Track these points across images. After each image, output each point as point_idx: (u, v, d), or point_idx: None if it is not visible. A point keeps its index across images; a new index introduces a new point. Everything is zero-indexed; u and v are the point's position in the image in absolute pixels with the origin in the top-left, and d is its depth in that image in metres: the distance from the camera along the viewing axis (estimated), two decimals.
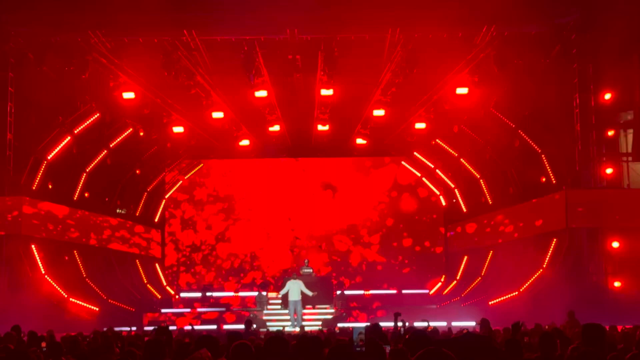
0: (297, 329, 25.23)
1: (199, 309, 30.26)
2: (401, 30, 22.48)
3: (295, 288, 27.06)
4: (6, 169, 24.14)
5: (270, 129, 29.18)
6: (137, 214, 33.09)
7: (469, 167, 31.59)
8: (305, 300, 27.67)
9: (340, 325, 26.14)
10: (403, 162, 34.55)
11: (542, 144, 26.51)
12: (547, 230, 26.15)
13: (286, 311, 27.98)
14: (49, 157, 26.23)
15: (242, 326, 21.43)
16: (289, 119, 29.27)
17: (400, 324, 18.06)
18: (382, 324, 12.59)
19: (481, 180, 31.31)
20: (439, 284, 33.33)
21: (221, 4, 21.26)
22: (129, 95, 24.90)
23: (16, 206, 24.42)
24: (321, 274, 32.39)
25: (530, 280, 25.90)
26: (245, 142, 30.61)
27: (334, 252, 34.25)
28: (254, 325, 24.23)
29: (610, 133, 24.83)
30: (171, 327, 23.51)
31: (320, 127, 29.32)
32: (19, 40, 23.50)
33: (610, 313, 20.29)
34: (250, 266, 34.17)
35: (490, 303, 27.04)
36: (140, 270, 32.42)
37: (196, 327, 24.25)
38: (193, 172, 34.72)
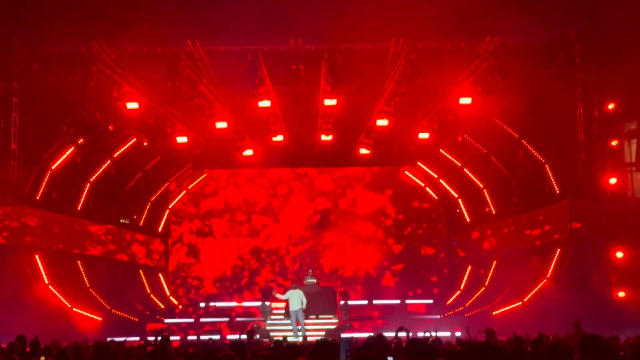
0: (300, 339, 25.18)
1: (202, 319, 30.28)
2: (404, 40, 22.53)
3: (295, 297, 26.95)
4: (10, 179, 24.18)
5: (274, 138, 29.18)
6: (141, 224, 33.11)
7: (473, 177, 31.57)
8: (309, 310, 27.59)
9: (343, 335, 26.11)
10: (406, 172, 34.51)
11: (546, 153, 26.50)
12: (551, 241, 26.12)
13: (289, 321, 27.93)
14: (52, 167, 26.31)
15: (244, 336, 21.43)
16: (293, 129, 29.30)
17: (403, 334, 18.08)
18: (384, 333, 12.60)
19: (484, 190, 31.29)
20: (443, 294, 33.24)
21: (225, 14, 21.31)
22: (132, 105, 24.94)
23: (20, 216, 24.44)
24: (325, 284, 32.35)
25: (534, 291, 25.86)
26: (248, 152, 30.60)
27: (337, 262, 34.15)
28: (257, 336, 24.23)
29: (614, 143, 24.82)
30: (174, 337, 23.60)
31: (323, 137, 29.33)
32: (24, 51, 23.59)
33: (614, 323, 20.22)
34: (254, 276, 34.09)
35: (493, 313, 27.00)
36: (144, 280, 32.41)
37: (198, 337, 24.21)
38: (196, 182, 34.74)
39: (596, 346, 8.05)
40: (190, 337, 24.88)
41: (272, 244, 34.29)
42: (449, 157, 31.72)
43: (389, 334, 18.76)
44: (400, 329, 17.91)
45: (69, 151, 26.82)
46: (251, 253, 34.23)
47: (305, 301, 26.79)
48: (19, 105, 24.23)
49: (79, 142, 26.88)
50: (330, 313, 29.74)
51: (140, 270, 32.36)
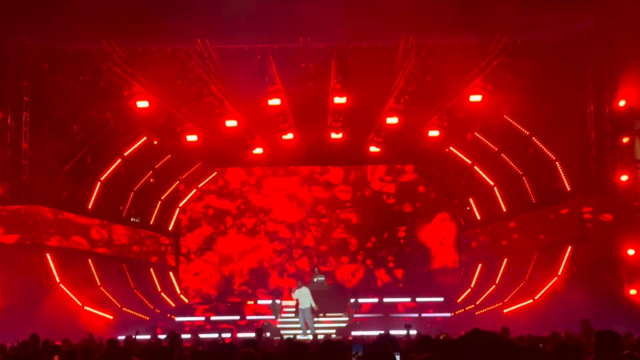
0: (310, 337, 25.17)
1: (213, 317, 30.32)
2: (414, 37, 22.47)
3: (303, 296, 26.96)
4: (21, 178, 24.26)
5: (284, 137, 29.20)
6: (151, 223, 33.18)
7: (483, 175, 31.49)
8: (319, 308, 27.57)
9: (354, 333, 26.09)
10: (416, 170, 34.46)
11: (557, 151, 26.40)
12: (562, 238, 26.03)
13: (299, 319, 27.93)
14: (63, 166, 26.37)
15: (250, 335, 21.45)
16: (303, 127, 29.29)
17: (414, 332, 18.10)
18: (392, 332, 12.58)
19: (495, 188, 31.21)
20: (454, 292, 33.18)
21: (234, 12, 21.32)
22: (143, 104, 24.99)
23: (31, 215, 24.51)
24: (334, 282, 32.32)
25: (544, 289, 25.78)
26: (258, 151, 30.64)
27: (349, 260, 34.12)
28: (267, 334, 24.25)
29: (625, 140, 24.69)
30: (185, 336, 23.64)
31: (333, 135, 29.35)
32: (34, 50, 23.67)
33: (625, 321, 20.14)
34: (264, 274, 34.12)
35: (504, 311, 26.93)
36: (155, 278, 32.48)
37: (207, 335, 24.27)
38: (206, 180, 34.78)
39: (611, 341, 7.97)
40: (201, 335, 24.87)
41: (281, 242, 34.27)
42: (459, 154, 31.64)
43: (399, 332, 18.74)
44: (408, 327, 17.90)
45: (81, 151, 26.91)
46: (261, 251, 34.23)
47: (312, 302, 26.77)
48: (29, 105, 24.30)
49: (90, 141, 26.97)
50: (340, 311, 29.71)
51: (151, 269, 32.43)
